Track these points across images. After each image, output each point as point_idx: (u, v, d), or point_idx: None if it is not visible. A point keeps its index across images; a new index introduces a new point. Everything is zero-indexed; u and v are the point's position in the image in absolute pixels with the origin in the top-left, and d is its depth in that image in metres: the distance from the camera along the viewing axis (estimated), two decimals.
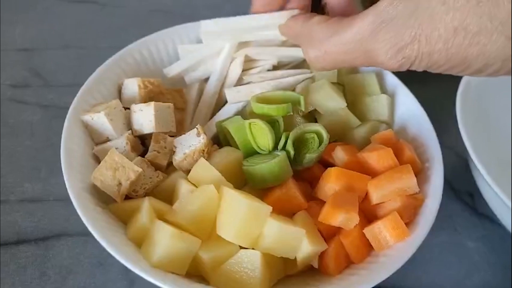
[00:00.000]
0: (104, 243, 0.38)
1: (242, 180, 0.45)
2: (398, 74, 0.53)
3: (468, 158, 0.49)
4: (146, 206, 0.41)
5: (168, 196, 0.44)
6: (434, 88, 0.61)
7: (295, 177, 0.45)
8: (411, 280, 0.49)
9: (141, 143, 0.49)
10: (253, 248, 0.40)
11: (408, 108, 0.52)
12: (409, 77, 0.53)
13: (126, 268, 0.37)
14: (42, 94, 0.62)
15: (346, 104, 0.50)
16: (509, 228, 0.50)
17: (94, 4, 0.77)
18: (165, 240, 0.38)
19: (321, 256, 0.42)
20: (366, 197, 0.44)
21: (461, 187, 0.57)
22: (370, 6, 0.35)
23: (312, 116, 0.51)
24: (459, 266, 0.51)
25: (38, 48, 0.69)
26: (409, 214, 0.42)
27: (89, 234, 0.39)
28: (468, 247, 0.53)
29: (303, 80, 0.52)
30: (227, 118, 0.49)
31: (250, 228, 0.39)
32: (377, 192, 0.43)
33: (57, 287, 0.45)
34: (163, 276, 0.36)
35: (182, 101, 0.53)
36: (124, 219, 0.43)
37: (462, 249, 0.52)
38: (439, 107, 0.55)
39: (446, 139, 0.54)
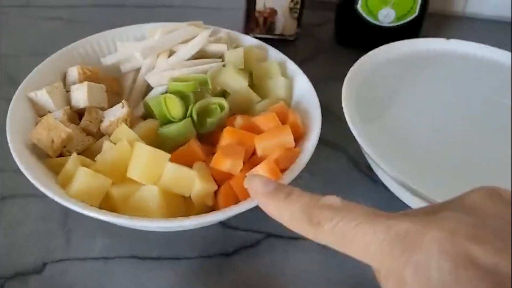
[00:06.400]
0: (35, 183, 0.47)
1: (158, 145, 0.55)
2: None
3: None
4: (74, 157, 0.51)
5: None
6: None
7: (204, 142, 0.56)
8: None
9: (79, 119, 0.59)
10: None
11: (302, 88, 0.63)
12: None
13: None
14: (8, 91, 0.73)
15: (247, 84, 0.61)
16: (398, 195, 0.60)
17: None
18: (81, 177, 0.48)
19: (215, 197, 0.52)
20: (254, 153, 0.54)
21: (362, 161, 0.67)
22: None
23: (222, 96, 0.62)
24: None
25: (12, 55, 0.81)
26: (285, 162, 0.52)
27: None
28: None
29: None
30: None
31: (152, 169, 0.49)
32: (261, 144, 0.53)
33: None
34: (78, 203, 0.46)
35: (119, 87, 0.64)
36: (57, 172, 0.53)
37: None
38: None
39: None
